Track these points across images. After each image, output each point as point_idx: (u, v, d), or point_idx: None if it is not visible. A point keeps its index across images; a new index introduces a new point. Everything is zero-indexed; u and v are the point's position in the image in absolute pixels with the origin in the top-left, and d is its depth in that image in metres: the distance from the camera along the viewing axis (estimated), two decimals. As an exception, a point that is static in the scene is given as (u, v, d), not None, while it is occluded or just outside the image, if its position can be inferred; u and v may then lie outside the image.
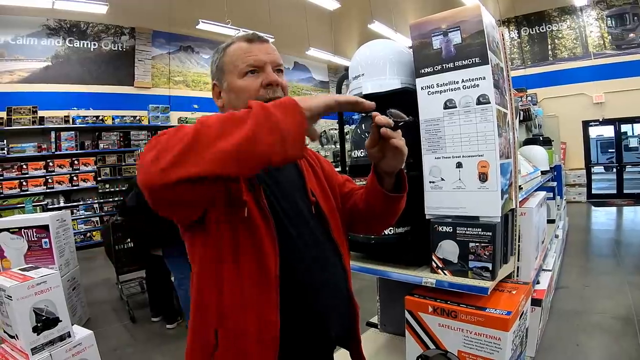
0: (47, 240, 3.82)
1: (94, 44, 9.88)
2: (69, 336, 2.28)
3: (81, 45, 9.66)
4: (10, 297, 2.07)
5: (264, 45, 1.15)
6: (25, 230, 3.76)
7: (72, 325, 2.35)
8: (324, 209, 1.20)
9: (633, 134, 14.55)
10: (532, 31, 11.33)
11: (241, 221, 1.01)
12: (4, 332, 2.26)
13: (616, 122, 10.43)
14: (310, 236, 1.14)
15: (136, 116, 9.94)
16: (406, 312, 1.65)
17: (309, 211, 1.17)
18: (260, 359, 1.01)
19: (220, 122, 0.76)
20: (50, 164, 8.63)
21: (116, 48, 10.21)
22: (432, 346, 1.60)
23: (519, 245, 1.94)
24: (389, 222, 1.33)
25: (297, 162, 1.24)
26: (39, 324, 2.14)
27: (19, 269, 2.36)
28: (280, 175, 1.16)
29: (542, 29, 11.18)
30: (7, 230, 3.71)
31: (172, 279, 4.13)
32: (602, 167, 14.54)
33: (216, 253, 1.02)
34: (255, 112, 0.76)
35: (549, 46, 11.13)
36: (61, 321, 2.24)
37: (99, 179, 9.30)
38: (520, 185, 2.00)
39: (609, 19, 10.22)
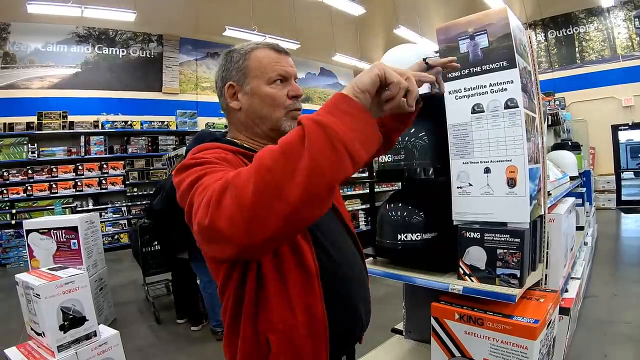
0: (75, 241, 3.91)
1: (123, 51, 10.15)
2: (95, 335, 2.33)
3: (110, 52, 9.94)
4: (39, 295, 2.13)
5: (288, 58, 1.19)
6: (55, 231, 3.86)
7: (98, 324, 2.40)
8: (335, 203, 1.25)
9: (665, 138, 14.14)
10: (559, 34, 11.13)
11: None
12: (32, 329, 2.32)
13: (646, 126, 10.14)
14: (333, 229, 1.19)
15: (164, 121, 10.17)
16: (432, 319, 1.63)
17: None
18: (313, 353, 1.05)
19: (279, 168, 0.68)
20: (80, 167, 8.89)
21: (144, 55, 10.46)
22: (457, 354, 1.58)
23: (547, 253, 1.90)
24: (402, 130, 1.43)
25: None
26: (65, 323, 2.19)
27: (48, 269, 2.43)
28: None
29: (570, 31, 10.97)
30: (37, 231, 3.82)
31: (198, 281, 4.17)
32: (632, 172, 14.16)
33: (255, 262, 1.02)
34: (309, 139, 0.69)
35: (577, 49, 10.91)
36: (88, 320, 2.29)
37: (127, 182, 9.53)
38: (549, 191, 1.96)
39: (637, 19, 9.96)
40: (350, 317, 1.15)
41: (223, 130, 1.33)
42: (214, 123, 10.88)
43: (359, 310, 1.17)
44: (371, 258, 1.99)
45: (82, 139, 8.95)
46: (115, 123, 9.42)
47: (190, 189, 0.86)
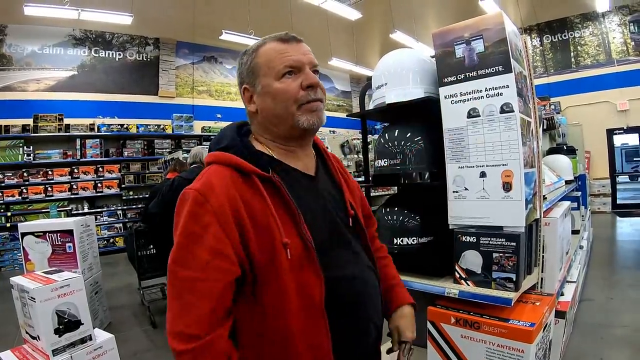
0: (71, 244, 3.88)
1: (119, 54, 10.13)
2: (90, 339, 2.31)
3: (106, 55, 9.91)
4: (34, 299, 2.11)
5: (299, 45, 1.08)
6: (50, 235, 3.83)
7: (94, 328, 2.38)
8: (360, 219, 1.19)
9: (659, 142, 14.19)
10: (555, 38, 11.16)
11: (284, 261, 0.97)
12: (26, 333, 2.30)
13: (641, 130, 10.18)
14: (351, 253, 1.12)
15: (160, 125, 10.14)
16: (428, 323, 1.63)
17: (346, 225, 1.14)
18: None
19: None
20: (75, 170, 8.84)
21: (141, 58, 10.44)
22: (454, 358, 1.58)
23: (543, 256, 1.91)
24: None
25: (334, 174, 1.22)
26: (60, 326, 2.17)
27: (43, 272, 2.40)
28: (322, 189, 1.13)
29: (565, 36, 11.01)
30: (32, 234, 3.79)
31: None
32: (627, 176, 14.22)
33: (257, 296, 0.99)
34: None
35: (572, 53, 10.95)
36: (83, 324, 2.27)
37: (122, 186, 9.46)
38: (544, 195, 1.97)
39: (631, 24, 10.01)
40: (360, 341, 1.10)
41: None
42: (210, 127, 10.86)
43: (370, 329, 1.11)
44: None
45: (78, 142, 8.90)
46: (111, 126, 9.37)
47: (176, 262, 1.03)
